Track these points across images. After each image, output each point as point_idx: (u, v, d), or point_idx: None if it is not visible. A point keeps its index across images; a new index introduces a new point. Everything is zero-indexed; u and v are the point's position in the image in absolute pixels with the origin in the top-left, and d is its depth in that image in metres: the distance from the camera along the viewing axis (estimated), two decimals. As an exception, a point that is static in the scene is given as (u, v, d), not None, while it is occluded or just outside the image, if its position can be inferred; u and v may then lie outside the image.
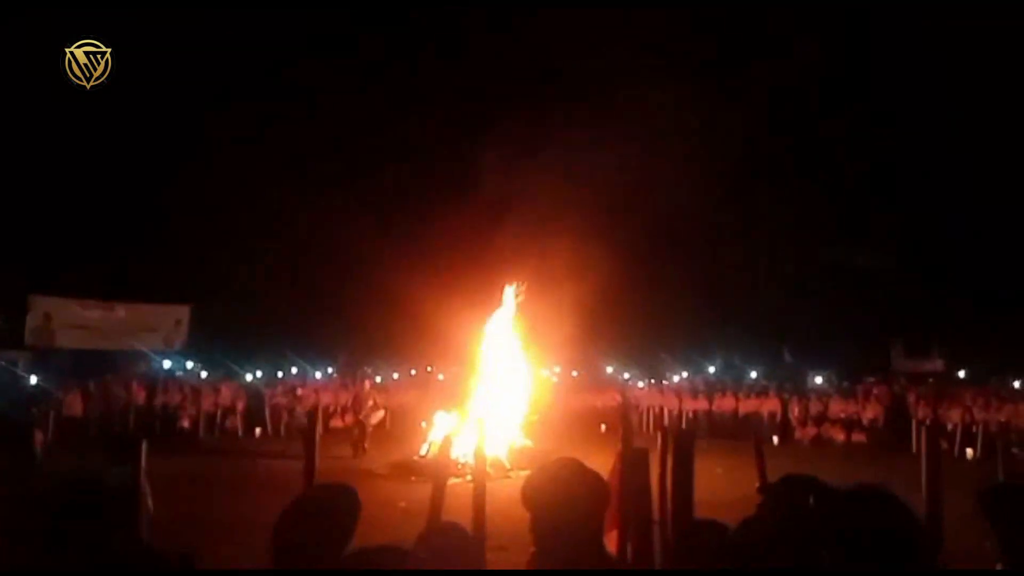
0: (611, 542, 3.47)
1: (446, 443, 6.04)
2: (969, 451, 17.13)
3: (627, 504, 3.72)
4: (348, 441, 15.81)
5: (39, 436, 5.08)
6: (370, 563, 2.01)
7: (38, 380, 21.67)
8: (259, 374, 26.27)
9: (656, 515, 3.77)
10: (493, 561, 3.31)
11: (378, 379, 27.92)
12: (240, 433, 20.18)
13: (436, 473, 4.00)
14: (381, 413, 17.55)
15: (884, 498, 1.92)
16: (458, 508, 3.68)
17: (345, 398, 20.89)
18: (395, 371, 28.91)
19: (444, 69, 25.25)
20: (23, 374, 22.88)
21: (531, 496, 2.01)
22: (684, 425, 19.97)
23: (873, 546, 1.78)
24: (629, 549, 3.60)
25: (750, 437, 20.43)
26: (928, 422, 17.43)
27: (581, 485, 2.01)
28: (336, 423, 18.94)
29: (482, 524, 3.62)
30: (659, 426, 20.59)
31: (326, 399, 21.63)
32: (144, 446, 3.58)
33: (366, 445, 15.82)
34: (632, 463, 3.72)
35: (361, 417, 16.27)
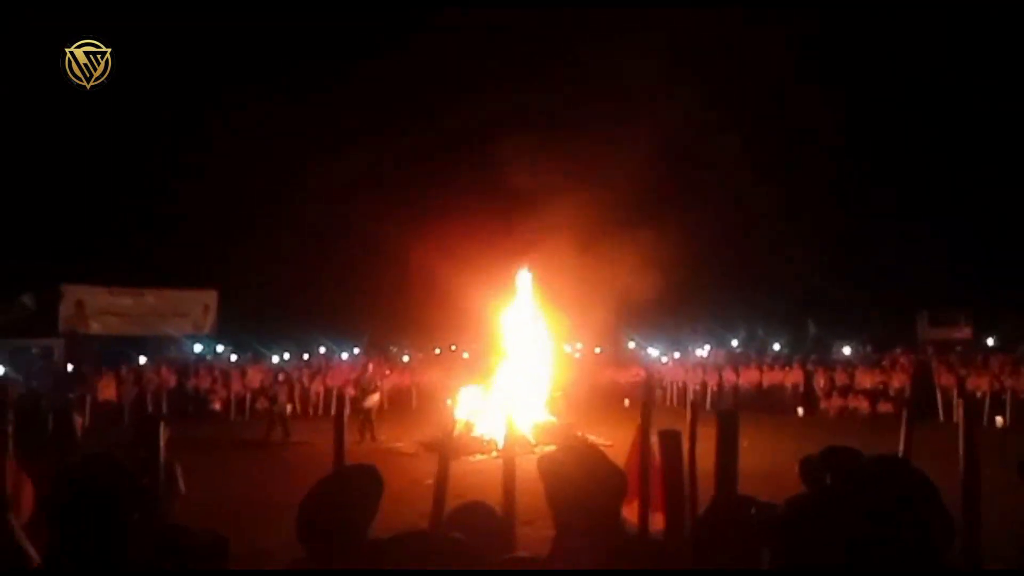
0: (632, 513, 3.52)
1: (451, 424, 6.08)
2: (999, 419, 16.94)
3: (645, 478, 3.76)
4: (353, 425, 14.66)
5: (78, 420, 5.23)
6: (400, 551, 2.05)
7: (73, 366, 22.17)
8: (287, 356, 26.61)
9: (687, 491, 3.75)
10: (520, 536, 3.38)
11: (405, 358, 28.11)
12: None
13: (441, 453, 4.02)
14: (376, 397, 16.63)
15: (903, 468, 1.93)
16: (484, 484, 3.74)
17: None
18: (420, 350, 29.08)
19: (458, 47, 24.98)
20: (58, 360, 23.45)
21: (548, 482, 2.05)
22: (708, 400, 19.82)
23: (891, 517, 1.79)
24: (657, 520, 3.65)
25: (775, 409, 20.31)
26: (955, 391, 17.24)
27: (597, 479, 2.01)
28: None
29: (512, 501, 3.67)
30: (682, 401, 20.54)
31: (339, 380, 21.32)
32: (163, 426, 3.55)
33: (374, 433, 15.34)
34: (668, 447, 3.70)
35: (363, 404, 15.82)
